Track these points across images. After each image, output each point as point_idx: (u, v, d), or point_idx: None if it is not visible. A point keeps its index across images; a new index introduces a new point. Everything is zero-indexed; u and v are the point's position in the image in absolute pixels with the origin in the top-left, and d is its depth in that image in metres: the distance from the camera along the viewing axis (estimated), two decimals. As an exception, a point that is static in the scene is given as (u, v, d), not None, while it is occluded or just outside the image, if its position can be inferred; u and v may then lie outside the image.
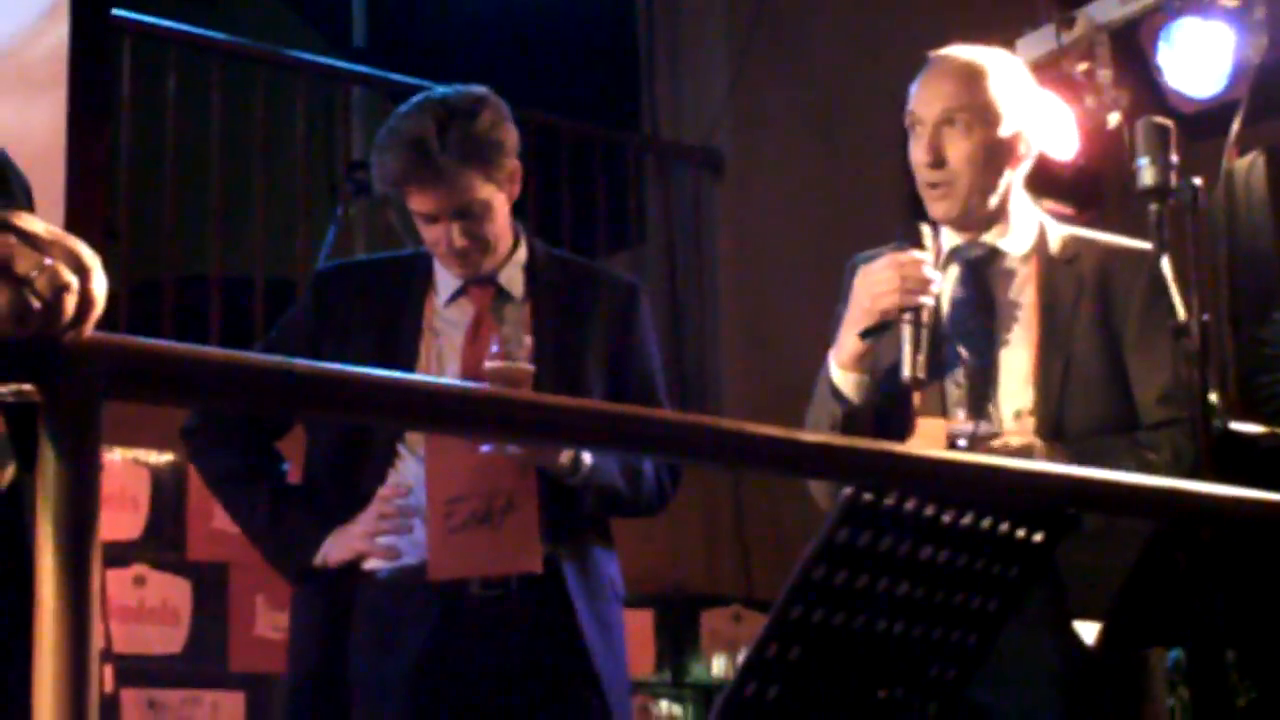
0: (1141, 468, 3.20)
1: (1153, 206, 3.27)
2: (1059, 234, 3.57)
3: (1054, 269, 3.50)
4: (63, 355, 1.52)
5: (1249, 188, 5.80)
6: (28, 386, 2.66)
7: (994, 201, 3.50)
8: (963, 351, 3.40)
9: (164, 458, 5.87)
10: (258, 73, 7.03)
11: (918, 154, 3.49)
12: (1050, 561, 3.15)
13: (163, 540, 5.82)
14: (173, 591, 5.77)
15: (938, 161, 3.45)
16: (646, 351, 3.77)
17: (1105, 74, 6.19)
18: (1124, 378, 3.43)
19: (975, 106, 3.46)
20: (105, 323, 1.56)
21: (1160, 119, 3.32)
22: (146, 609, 5.68)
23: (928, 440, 3.28)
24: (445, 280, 3.70)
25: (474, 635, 3.51)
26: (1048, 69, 6.31)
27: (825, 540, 2.16)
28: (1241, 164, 5.82)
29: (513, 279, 3.70)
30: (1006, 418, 3.37)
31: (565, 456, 3.48)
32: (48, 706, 1.45)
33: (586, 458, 3.51)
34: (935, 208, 3.50)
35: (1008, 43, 6.23)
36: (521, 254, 3.74)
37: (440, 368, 3.62)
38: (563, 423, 1.80)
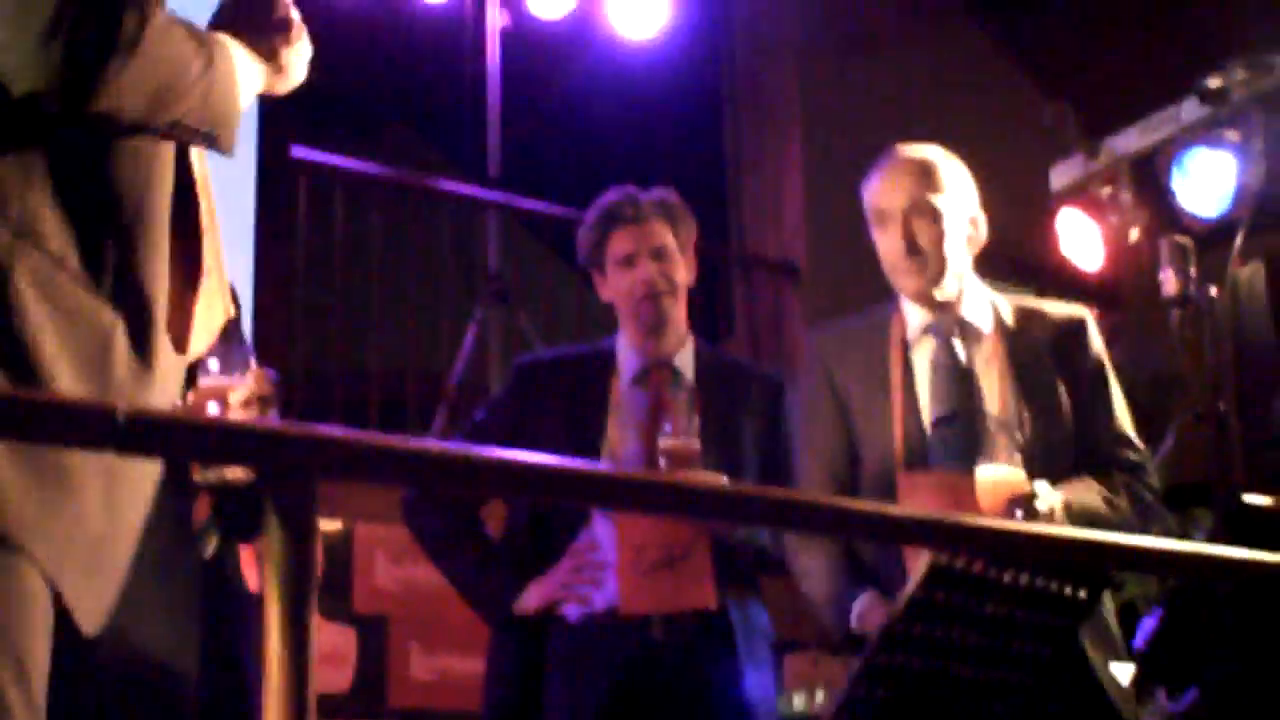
0: (1115, 514, 3.19)
1: (1175, 311, 3.29)
2: (1008, 306, 3.51)
3: (1013, 338, 3.44)
4: (285, 445, 1.56)
5: (1251, 292, 5.79)
6: (231, 473, 2.73)
7: (956, 280, 3.46)
8: (948, 412, 3.36)
9: (333, 525, 5.94)
10: (409, 198, 7.19)
11: (892, 243, 3.44)
12: (1099, 613, 3.16)
13: (334, 593, 5.87)
14: (340, 639, 5.82)
15: (913, 249, 3.40)
16: (790, 441, 3.73)
17: (1126, 196, 6.20)
18: (1077, 428, 3.37)
19: (937, 196, 3.41)
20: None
21: (1181, 238, 3.34)
22: (319, 654, 5.72)
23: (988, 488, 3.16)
24: (628, 363, 3.72)
25: (656, 672, 3.50)
26: (1077, 192, 6.34)
27: (914, 598, 2.19)
28: (1244, 271, 5.81)
29: (685, 364, 3.73)
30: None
31: None
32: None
33: None
34: (908, 283, 3.45)
35: (1043, 170, 6.28)
36: (691, 345, 3.77)
37: (624, 443, 3.62)
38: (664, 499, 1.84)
